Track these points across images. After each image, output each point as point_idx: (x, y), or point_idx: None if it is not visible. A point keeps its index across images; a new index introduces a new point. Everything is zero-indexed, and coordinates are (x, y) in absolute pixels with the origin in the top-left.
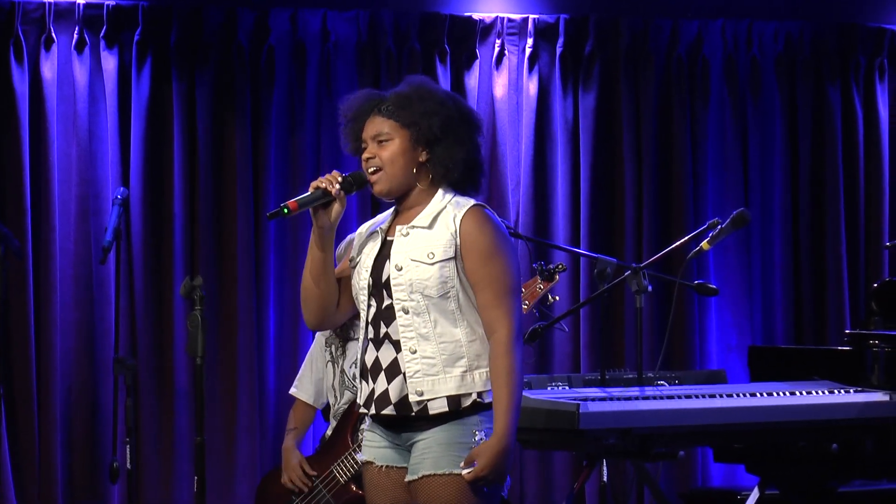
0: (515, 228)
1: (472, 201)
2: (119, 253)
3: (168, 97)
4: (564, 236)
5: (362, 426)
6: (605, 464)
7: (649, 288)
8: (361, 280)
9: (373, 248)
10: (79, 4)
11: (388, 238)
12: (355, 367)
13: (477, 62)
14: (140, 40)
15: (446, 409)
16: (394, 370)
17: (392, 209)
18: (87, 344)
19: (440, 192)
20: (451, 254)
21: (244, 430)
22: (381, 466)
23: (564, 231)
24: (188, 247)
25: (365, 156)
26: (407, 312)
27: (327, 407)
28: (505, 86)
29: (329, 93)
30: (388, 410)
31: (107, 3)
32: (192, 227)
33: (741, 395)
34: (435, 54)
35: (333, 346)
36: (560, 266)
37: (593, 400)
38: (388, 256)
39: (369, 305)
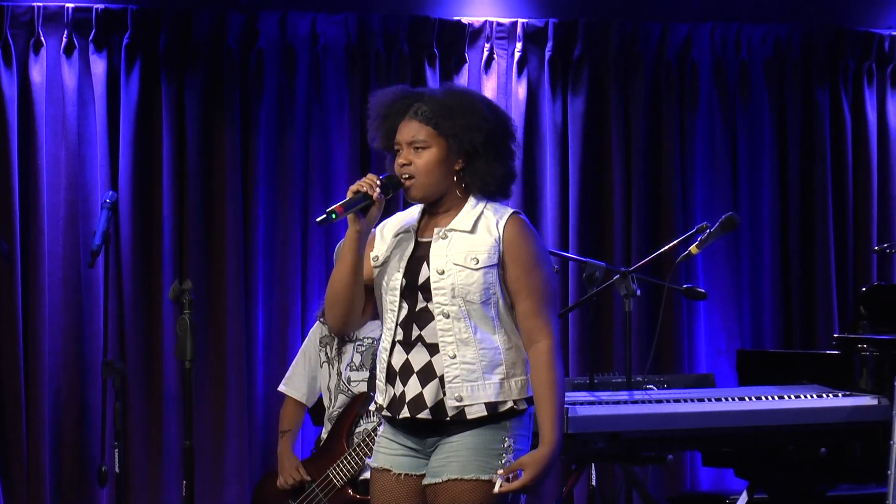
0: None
1: (509, 209)
2: (108, 256)
3: (157, 100)
4: (553, 240)
5: (358, 430)
6: (593, 468)
7: (638, 292)
8: (393, 281)
9: (405, 249)
10: (68, 8)
11: (422, 240)
12: (353, 370)
13: (466, 66)
14: (129, 44)
15: (485, 413)
16: (428, 373)
17: (417, 208)
18: (75, 347)
19: (472, 197)
20: (495, 260)
21: (233, 434)
22: (399, 475)
23: (553, 235)
24: (177, 250)
25: (400, 161)
26: (448, 317)
27: (315, 410)
28: (494, 90)
29: (318, 96)
30: (424, 414)
31: (96, 6)
32: (181, 230)
33: (730, 399)
34: (424, 58)
35: (329, 347)
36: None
37: (582, 404)
38: (424, 259)
39: (400, 307)
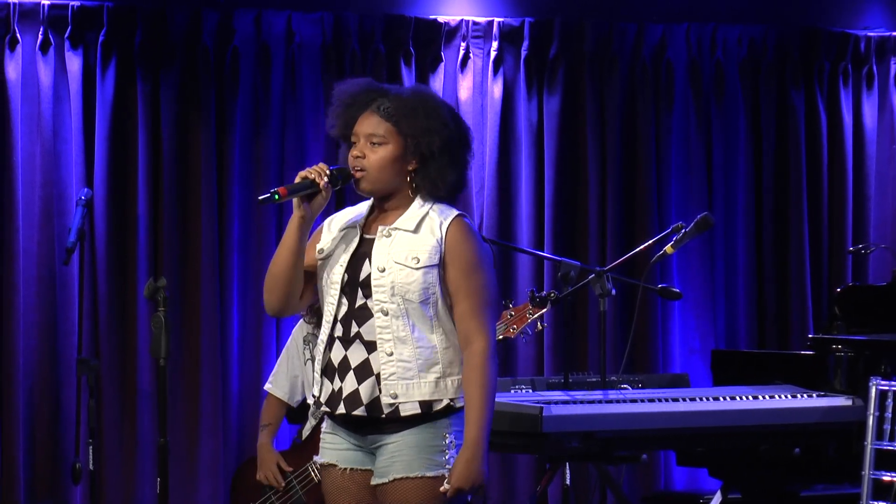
0: (480, 232)
1: (455, 210)
2: (83, 254)
3: (133, 98)
4: (528, 239)
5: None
6: (567, 467)
7: (613, 291)
8: (335, 275)
9: (349, 244)
10: (43, 5)
11: (367, 236)
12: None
13: (442, 65)
14: (105, 41)
15: (418, 410)
16: (365, 371)
17: (366, 203)
18: (50, 344)
19: (419, 198)
20: (436, 260)
21: (207, 431)
22: (346, 469)
23: (529, 234)
24: (152, 248)
25: (354, 153)
26: (386, 314)
27: (293, 409)
28: (470, 88)
29: (293, 94)
30: (359, 411)
31: (71, 3)
32: (155, 228)
33: (704, 398)
34: (400, 56)
35: (311, 345)
36: (552, 294)
37: (557, 403)
38: (367, 255)
39: (339, 302)
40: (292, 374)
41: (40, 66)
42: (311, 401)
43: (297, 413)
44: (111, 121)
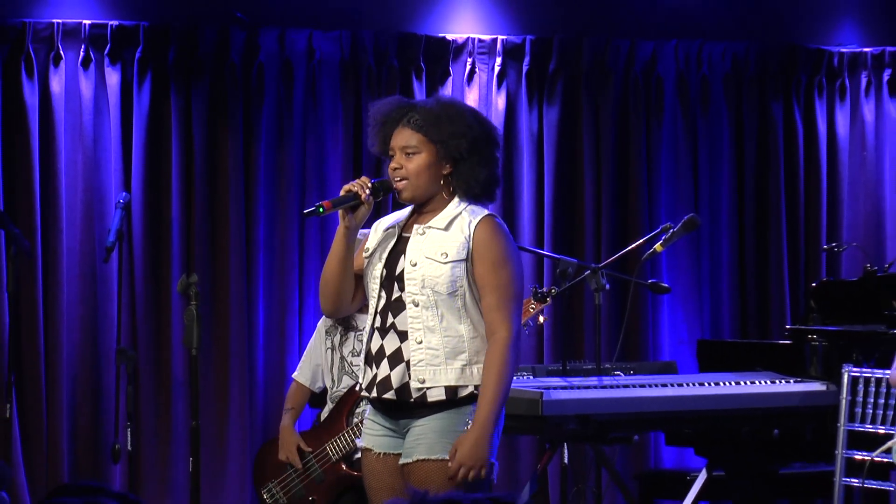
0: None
1: (485, 211)
2: (121, 252)
3: (167, 110)
4: (530, 238)
5: (358, 410)
6: (566, 447)
7: (607, 286)
8: (375, 270)
9: (389, 243)
10: (85, 24)
11: (405, 235)
12: (354, 356)
13: (450, 79)
14: (141, 58)
15: (444, 397)
16: (397, 358)
17: (409, 208)
18: (91, 336)
19: (457, 198)
20: (464, 256)
21: (235, 416)
22: (379, 454)
23: (530, 234)
24: (184, 247)
25: (392, 165)
26: (417, 305)
27: (315, 394)
28: (475, 101)
29: (314, 106)
30: (389, 395)
31: (110, 23)
32: (188, 228)
33: (691, 384)
34: (411, 71)
35: (333, 335)
36: (553, 290)
37: (555, 389)
38: (402, 252)
39: (379, 296)
40: (315, 363)
41: (82, 81)
42: (330, 386)
43: (319, 398)
44: (147, 131)
